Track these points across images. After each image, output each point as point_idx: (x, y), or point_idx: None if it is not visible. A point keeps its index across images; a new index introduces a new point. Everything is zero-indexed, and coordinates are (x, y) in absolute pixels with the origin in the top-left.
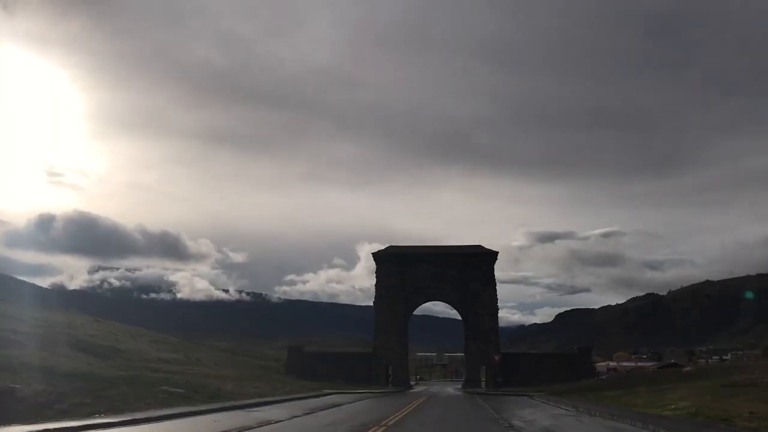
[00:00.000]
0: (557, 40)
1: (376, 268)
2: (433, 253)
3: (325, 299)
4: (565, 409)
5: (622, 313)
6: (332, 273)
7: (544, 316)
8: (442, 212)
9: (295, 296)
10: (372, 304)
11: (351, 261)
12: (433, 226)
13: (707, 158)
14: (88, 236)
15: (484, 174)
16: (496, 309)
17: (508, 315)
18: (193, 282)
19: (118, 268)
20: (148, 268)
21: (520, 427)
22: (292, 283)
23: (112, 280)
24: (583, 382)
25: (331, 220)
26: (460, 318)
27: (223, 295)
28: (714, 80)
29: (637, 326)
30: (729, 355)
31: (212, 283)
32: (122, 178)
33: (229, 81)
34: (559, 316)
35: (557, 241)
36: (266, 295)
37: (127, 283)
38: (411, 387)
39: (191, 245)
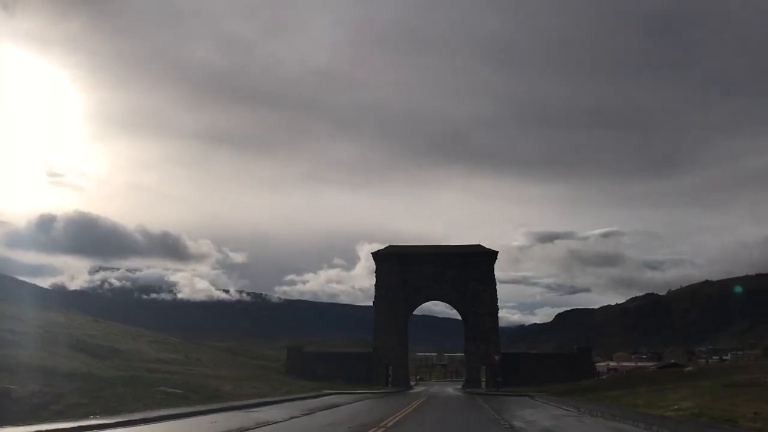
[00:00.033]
0: (557, 40)
1: (376, 268)
2: (433, 253)
3: (325, 299)
4: (567, 410)
5: (621, 313)
6: (332, 273)
7: (543, 316)
8: (442, 212)
9: (296, 296)
10: (372, 304)
11: (351, 261)
12: (433, 226)
13: (707, 158)
14: (89, 237)
15: (484, 174)
16: (496, 309)
17: (507, 315)
18: (193, 282)
19: (118, 269)
20: (149, 268)
21: (521, 428)
22: (293, 283)
23: (113, 281)
24: (584, 382)
25: (331, 220)
26: (460, 318)
27: (223, 296)
28: (714, 80)
29: (637, 326)
30: (729, 355)
31: (212, 283)
32: (122, 178)
33: (229, 81)
34: (558, 316)
35: (557, 241)
36: (266, 295)
37: (128, 284)
38: (411, 387)
39: (191, 245)
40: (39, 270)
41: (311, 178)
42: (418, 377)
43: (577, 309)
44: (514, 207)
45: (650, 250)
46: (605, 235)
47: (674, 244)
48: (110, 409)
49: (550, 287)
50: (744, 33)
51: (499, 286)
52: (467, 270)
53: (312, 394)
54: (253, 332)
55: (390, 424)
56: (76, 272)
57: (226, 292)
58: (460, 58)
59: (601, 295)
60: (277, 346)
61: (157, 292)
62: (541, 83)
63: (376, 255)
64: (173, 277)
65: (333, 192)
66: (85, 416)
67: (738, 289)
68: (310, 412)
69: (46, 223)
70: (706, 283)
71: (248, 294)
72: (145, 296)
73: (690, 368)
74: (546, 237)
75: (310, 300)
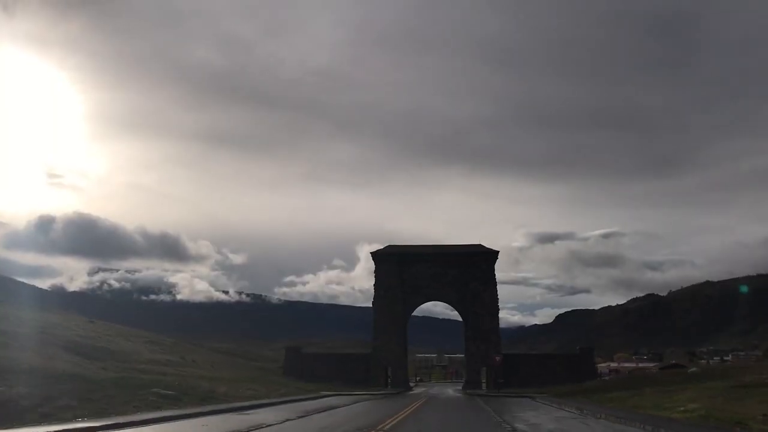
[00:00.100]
0: (557, 40)
1: (375, 268)
2: (433, 253)
3: (324, 300)
4: (569, 412)
5: (622, 314)
6: (332, 274)
7: (544, 317)
8: (442, 212)
9: (295, 297)
10: (371, 304)
11: (351, 262)
12: (433, 226)
13: (707, 158)
14: (88, 238)
15: (484, 174)
16: (497, 309)
17: (508, 316)
18: (192, 283)
19: (117, 270)
20: (148, 269)
21: (524, 430)
22: (292, 284)
23: (112, 282)
24: (586, 383)
25: (331, 221)
26: (460, 319)
27: (222, 297)
28: (714, 80)
29: (638, 327)
30: (730, 356)
31: (212, 284)
32: (122, 179)
33: (229, 81)
34: (559, 317)
35: (557, 242)
36: (266, 296)
37: (127, 285)
38: (410, 388)
39: (191, 246)
40: (38, 271)
41: (311, 178)
42: (417, 378)
43: (577, 310)
44: (514, 207)
45: (650, 250)
46: (605, 236)
47: (674, 245)
48: (99, 412)
49: (550, 288)
50: (744, 33)
51: (499, 287)
52: (468, 270)
53: (309, 395)
54: (253, 333)
55: (388, 426)
56: (75, 273)
57: (226, 293)
58: (460, 58)
59: (602, 296)
60: (276, 348)
61: (157, 294)
62: (541, 83)
63: (375, 255)
64: (172, 279)
65: (333, 192)
66: (73, 419)
67: (744, 288)
68: (306, 414)
69: (45, 224)
70: (707, 284)
71: (248, 295)
72: (144, 297)
73: (694, 369)
74: (546, 237)
75: (310, 301)
